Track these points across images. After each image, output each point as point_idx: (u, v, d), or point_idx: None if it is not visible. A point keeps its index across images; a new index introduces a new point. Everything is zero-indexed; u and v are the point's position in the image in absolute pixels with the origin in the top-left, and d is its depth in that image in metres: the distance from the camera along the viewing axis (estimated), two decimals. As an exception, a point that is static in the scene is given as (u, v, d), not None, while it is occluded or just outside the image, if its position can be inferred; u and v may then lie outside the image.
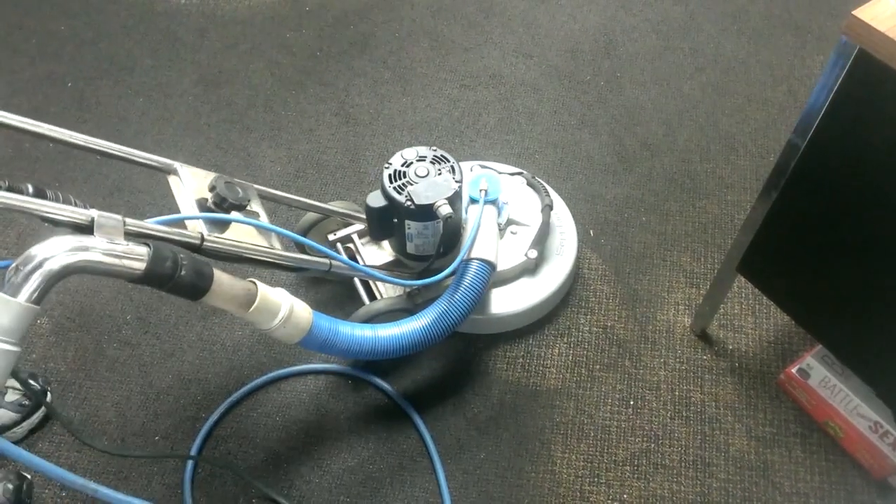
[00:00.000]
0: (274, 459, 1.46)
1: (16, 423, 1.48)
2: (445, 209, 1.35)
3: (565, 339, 1.62)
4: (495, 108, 2.08)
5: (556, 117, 2.05)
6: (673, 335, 1.62)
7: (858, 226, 1.11)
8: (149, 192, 1.87)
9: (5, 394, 1.48)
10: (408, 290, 1.50)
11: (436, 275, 1.37)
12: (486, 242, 1.43)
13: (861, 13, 0.90)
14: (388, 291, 1.55)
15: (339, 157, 1.97)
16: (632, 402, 1.53)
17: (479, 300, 1.41)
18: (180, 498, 1.40)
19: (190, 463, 1.43)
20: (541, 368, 1.57)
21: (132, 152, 1.18)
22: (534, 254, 1.58)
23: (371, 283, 1.57)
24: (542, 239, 1.61)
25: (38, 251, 0.82)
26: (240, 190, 1.21)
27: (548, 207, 1.64)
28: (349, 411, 1.52)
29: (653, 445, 1.47)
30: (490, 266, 1.42)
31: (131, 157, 1.18)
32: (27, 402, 1.49)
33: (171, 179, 1.21)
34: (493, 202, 1.50)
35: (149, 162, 1.20)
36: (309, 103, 2.10)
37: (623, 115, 2.05)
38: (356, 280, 1.56)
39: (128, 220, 0.95)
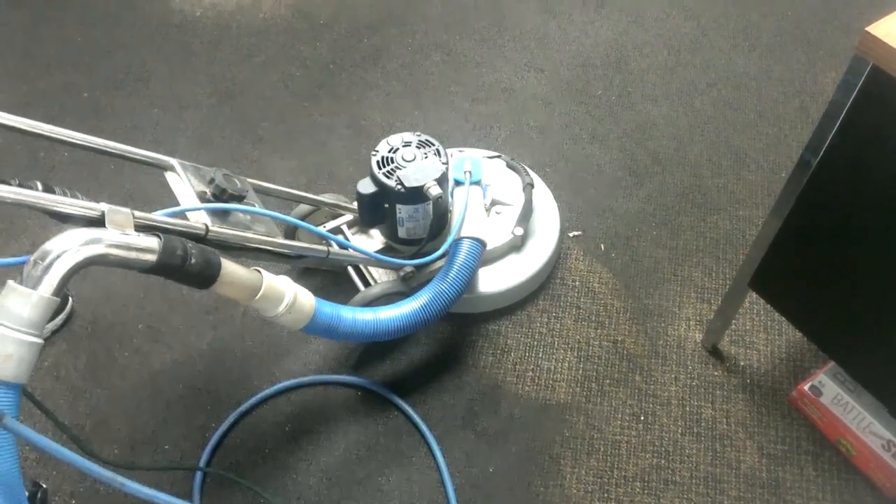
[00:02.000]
0: (283, 469, 1.45)
1: None
2: (435, 190, 1.39)
3: (575, 353, 1.61)
4: (507, 121, 2.08)
5: (567, 131, 2.05)
6: (684, 351, 1.61)
7: (871, 243, 1.11)
8: (160, 202, 1.87)
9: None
10: (401, 274, 1.53)
11: (427, 257, 1.42)
12: (475, 221, 1.49)
13: (875, 29, 0.90)
14: (381, 277, 1.58)
15: (350, 169, 1.98)
16: (642, 418, 1.52)
17: (473, 276, 1.47)
18: (188, 507, 1.40)
19: (199, 472, 1.43)
20: (550, 382, 1.57)
21: (129, 150, 1.21)
22: (520, 231, 1.64)
23: (364, 269, 1.60)
24: (526, 216, 1.67)
25: (55, 245, 0.84)
26: (237, 181, 1.25)
27: (529, 186, 1.70)
28: (359, 423, 1.52)
29: (663, 461, 1.46)
30: (481, 243, 1.47)
31: (129, 154, 1.21)
32: None
33: (169, 176, 1.25)
34: (478, 183, 1.55)
35: (146, 159, 1.23)
36: (321, 116, 2.11)
37: (634, 129, 2.05)
38: (349, 268, 1.60)
39: (136, 213, 0.98)
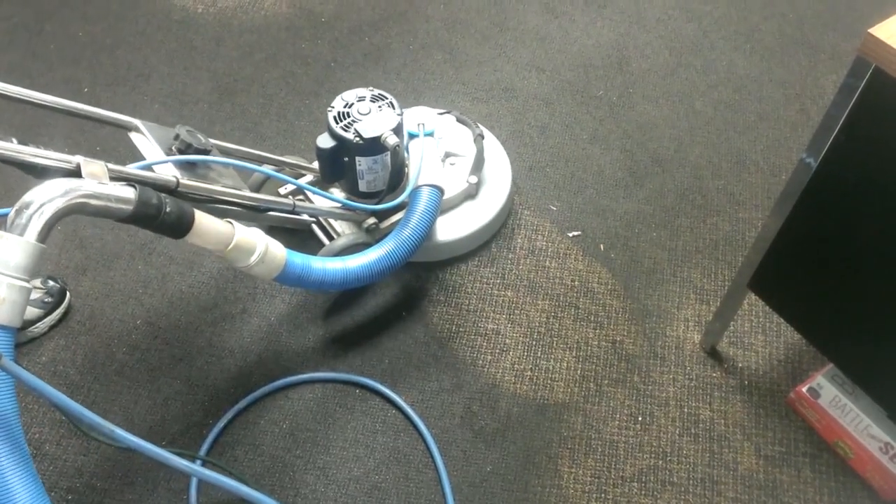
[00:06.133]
0: (280, 467, 1.45)
1: (39, 319, 1.59)
2: (392, 139, 1.45)
3: (574, 353, 1.61)
4: (507, 121, 2.08)
5: (567, 131, 2.05)
6: (682, 352, 1.61)
7: (871, 245, 1.11)
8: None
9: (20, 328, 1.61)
10: (364, 226, 1.59)
11: (391, 202, 1.50)
12: (431, 170, 1.55)
13: (877, 31, 0.90)
14: (345, 231, 1.62)
15: (351, 166, 1.98)
16: (640, 418, 1.52)
17: (434, 222, 1.54)
18: (185, 503, 1.40)
19: (198, 462, 1.43)
20: (549, 382, 1.57)
21: (94, 111, 1.24)
22: (474, 179, 1.73)
23: (328, 226, 1.64)
24: (478, 165, 1.75)
25: (37, 194, 0.88)
26: (201, 137, 1.29)
27: (480, 137, 1.78)
28: (356, 421, 1.52)
29: (661, 462, 1.46)
30: (439, 190, 1.54)
31: (93, 115, 1.24)
32: (49, 299, 1.60)
33: (134, 136, 1.29)
34: (431, 135, 1.61)
35: (111, 119, 1.26)
36: (322, 113, 2.10)
37: (635, 130, 2.05)
38: (314, 225, 1.64)
39: (110, 166, 1.01)
